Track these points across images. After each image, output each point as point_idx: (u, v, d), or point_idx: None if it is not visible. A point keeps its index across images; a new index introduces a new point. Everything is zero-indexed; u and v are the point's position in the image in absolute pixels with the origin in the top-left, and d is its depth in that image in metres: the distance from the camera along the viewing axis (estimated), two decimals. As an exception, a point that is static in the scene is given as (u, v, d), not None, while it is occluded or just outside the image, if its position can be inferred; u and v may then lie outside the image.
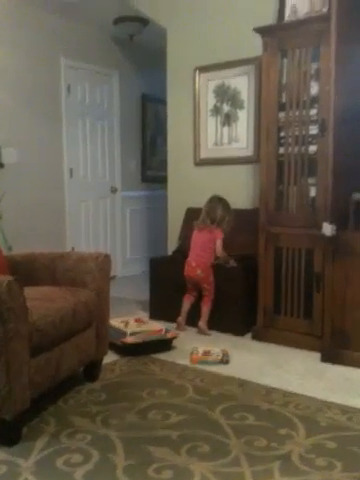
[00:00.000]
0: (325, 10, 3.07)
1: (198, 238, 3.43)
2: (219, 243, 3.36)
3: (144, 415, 2.15)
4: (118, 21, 4.75)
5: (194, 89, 4.01)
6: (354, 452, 1.85)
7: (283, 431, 2.01)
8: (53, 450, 1.87)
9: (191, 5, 3.96)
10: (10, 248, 3.84)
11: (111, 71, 5.33)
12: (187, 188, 4.08)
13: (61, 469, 1.75)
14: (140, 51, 5.46)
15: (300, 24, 3.06)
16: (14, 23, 4.34)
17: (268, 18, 3.39)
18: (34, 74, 4.53)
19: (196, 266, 3.37)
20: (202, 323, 3.36)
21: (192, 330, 3.40)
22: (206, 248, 3.38)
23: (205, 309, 3.38)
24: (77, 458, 1.81)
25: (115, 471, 1.73)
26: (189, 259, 3.42)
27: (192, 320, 3.41)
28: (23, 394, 1.90)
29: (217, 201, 3.43)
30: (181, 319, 3.44)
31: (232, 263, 3.37)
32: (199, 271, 3.36)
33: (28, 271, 2.59)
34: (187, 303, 3.46)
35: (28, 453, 1.84)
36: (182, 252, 3.66)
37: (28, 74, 4.48)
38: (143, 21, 4.66)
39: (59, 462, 1.79)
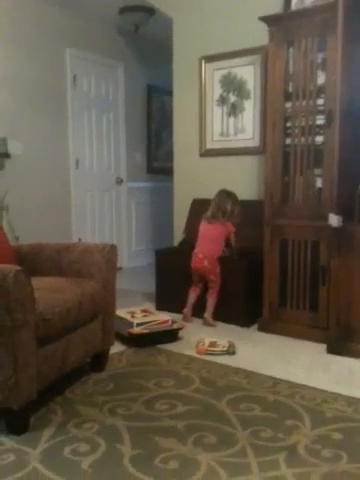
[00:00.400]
0: (332, -1, 3.04)
1: (208, 230, 3.42)
2: (233, 236, 3.40)
3: (151, 405, 2.16)
4: (124, 10, 4.72)
5: (200, 79, 3.99)
6: (360, 443, 1.86)
7: (289, 422, 2.02)
8: (60, 439, 1.88)
9: (197, -6, 3.93)
10: (17, 239, 3.86)
11: (116, 62, 5.30)
12: (193, 179, 4.08)
13: (68, 458, 1.76)
14: (145, 42, 5.43)
15: (306, 13, 3.03)
16: (19, 15, 4.32)
17: (274, 7, 3.36)
18: (39, 66, 4.52)
19: (203, 258, 3.37)
20: (208, 315, 3.37)
21: (198, 321, 3.40)
22: (216, 240, 3.39)
23: (211, 301, 3.38)
24: (84, 447, 1.83)
25: (122, 460, 1.74)
26: (196, 251, 3.42)
27: (198, 311, 3.41)
28: (30, 384, 1.91)
29: (226, 195, 3.44)
30: (187, 310, 3.45)
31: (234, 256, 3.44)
32: (206, 262, 3.36)
33: (34, 262, 2.59)
34: (193, 295, 3.46)
35: (36, 442, 1.86)
36: (188, 243, 3.66)
37: (34, 66, 4.46)
38: (149, 11, 4.63)
39: (66, 451, 1.80)
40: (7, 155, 4.20)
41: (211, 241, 3.39)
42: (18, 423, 1.93)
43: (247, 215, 3.45)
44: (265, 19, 3.11)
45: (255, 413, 2.11)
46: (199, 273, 3.41)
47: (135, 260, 5.64)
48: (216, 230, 3.39)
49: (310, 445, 1.84)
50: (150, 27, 4.95)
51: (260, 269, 3.24)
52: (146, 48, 5.52)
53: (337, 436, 1.91)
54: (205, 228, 3.44)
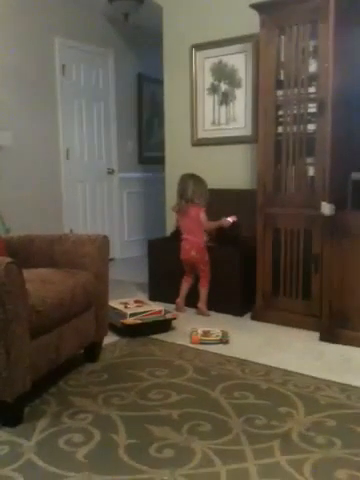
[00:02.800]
0: (324, -15, 3.02)
1: (183, 222, 3.42)
2: (203, 216, 3.35)
3: (145, 395, 2.17)
4: (113, -1, 4.66)
5: (191, 68, 3.96)
6: (353, 430, 1.87)
7: (283, 409, 2.03)
8: (55, 430, 1.88)
9: (187, -19, 3.89)
10: (8, 230, 3.82)
11: (106, 51, 5.25)
12: (185, 169, 4.02)
13: (63, 449, 1.76)
14: (136, 30, 5.37)
15: (298, 0, 3.00)
16: (6, 4, 4.25)
17: (266, -6, 3.32)
18: (28, 55, 4.46)
19: (190, 248, 3.37)
20: (201, 304, 3.37)
21: (191, 311, 3.41)
22: (195, 228, 3.37)
23: (203, 290, 3.39)
24: (79, 438, 1.83)
25: (117, 450, 1.74)
26: (183, 242, 3.42)
27: (191, 301, 3.42)
28: (24, 376, 1.91)
29: (187, 179, 3.41)
30: (180, 300, 3.45)
31: (230, 219, 3.32)
32: (193, 252, 3.36)
33: (26, 253, 2.57)
34: (185, 285, 3.46)
35: (30, 433, 1.86)
36: (180, 233, 3.64)
37: (22, 56, 4.40)
38: (138, -2, 4.58)
39: (61, 442, 1.80)
40: (-3, 146, 4.17)
41: (191, 231, 3.38)
42: (12, 415, 1.93)
43: (240, 204, 3.45)
44: (256, 6, 3.08)
45: (249, 401, 2.12)
46: (189, 263, 3.41)
47: (128, 251, 5.63)
48: (188, 218, 3.38)
49: (304, 432, 1.86)
50: (140, 15, 4.89)
51: (253, 258, 3.24)
52: (137, 36, 5.46)
53: (331, 423, 1.92)
54: (180, 220, 3.46)
